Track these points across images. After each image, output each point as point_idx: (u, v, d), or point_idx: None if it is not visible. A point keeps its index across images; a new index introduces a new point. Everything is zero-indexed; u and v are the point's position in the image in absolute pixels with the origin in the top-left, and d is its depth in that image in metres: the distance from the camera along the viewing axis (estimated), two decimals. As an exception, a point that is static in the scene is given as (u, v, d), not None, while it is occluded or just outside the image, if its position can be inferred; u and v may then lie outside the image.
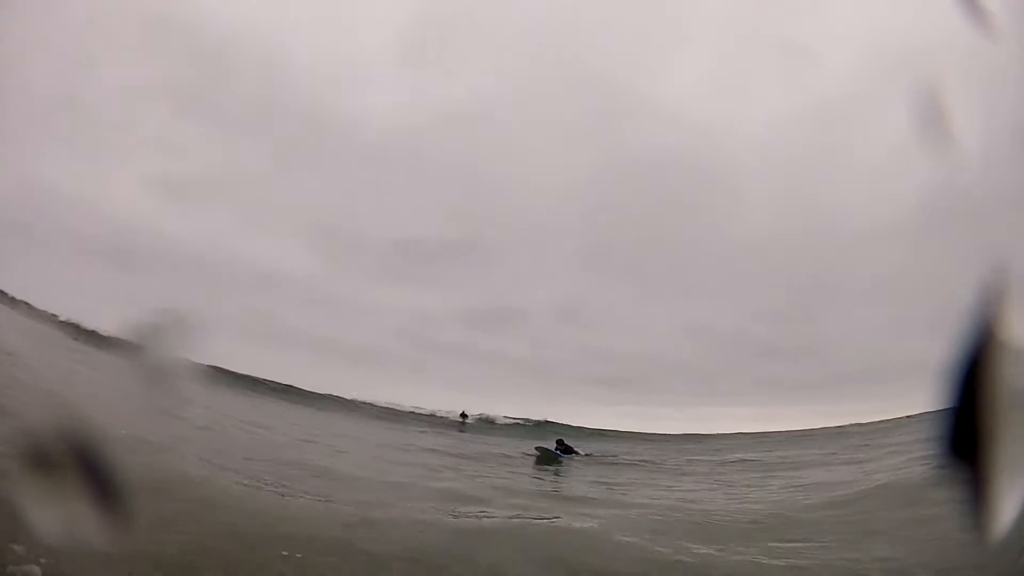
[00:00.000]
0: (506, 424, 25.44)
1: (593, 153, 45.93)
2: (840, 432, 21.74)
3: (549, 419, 25.02)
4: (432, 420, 24.28)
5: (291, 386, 23.33)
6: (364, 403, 24.47)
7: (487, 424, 24.96)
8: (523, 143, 46.41)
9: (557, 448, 15.28)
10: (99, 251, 31.43)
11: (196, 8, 41.87)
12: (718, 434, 25.06)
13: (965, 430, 0.90)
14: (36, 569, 2.84)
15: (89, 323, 21.65)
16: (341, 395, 23.90)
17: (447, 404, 26.22)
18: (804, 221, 41.01)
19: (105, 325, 22.01)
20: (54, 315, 20.92)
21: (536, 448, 14.99)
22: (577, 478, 11.24)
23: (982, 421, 0.88)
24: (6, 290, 20.36)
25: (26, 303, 20.39)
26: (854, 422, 23.15)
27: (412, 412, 25.08)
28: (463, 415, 25.40)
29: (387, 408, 24.57)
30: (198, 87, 44.17)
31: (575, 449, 15.60)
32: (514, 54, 46.42)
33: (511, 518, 5.53)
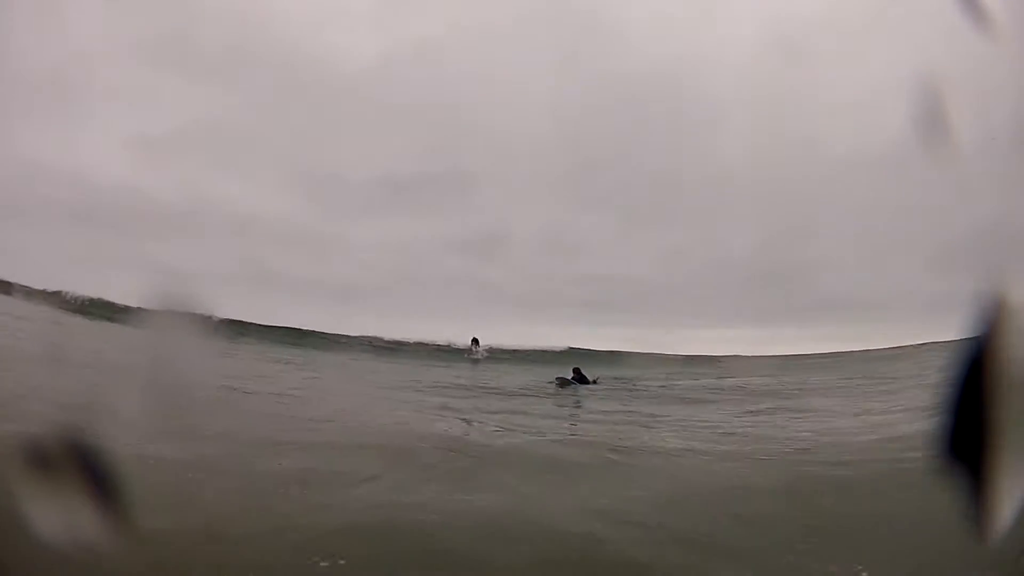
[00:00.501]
0: (516, 350, 25.50)
1: (571, 81, 44.27)
2: (838, 358, 22.17)
3: (573, 346, 25.12)
4: (440, 352, 24.32)
5: (293, 328, 23.13)
6: (370, 337, 24.42)
7: (499, 353, 24.97)
8: (501, 73, 44.58)
9: (573, 377, 15.47)
10: (87, 217, 30.40)
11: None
12: (720, 356, 25.42)
13: (966, 428, 0.86)
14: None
15: (81, 291, 21.41)
16: (347, 333, 23.76)
17: (447, 335, 26.16)
18: (784, 149, 40.47)
19: (94, 291, 21.68)
20: (43, 290, 20.55)
21: (557, 379, 15.23)
22: (606, 414, 11.12)
23: (984, 419, 0.84)
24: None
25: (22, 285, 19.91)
26: (861, 348, 23.64)
27: (419, 344, 25.11)
28: (474, 341, 25.16)
29: (392, 341, 24.54)
30: (170, 39, 41.38)
31: (588, 377, 15.72)
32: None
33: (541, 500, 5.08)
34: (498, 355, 24.16)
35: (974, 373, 0.85)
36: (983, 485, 0.85)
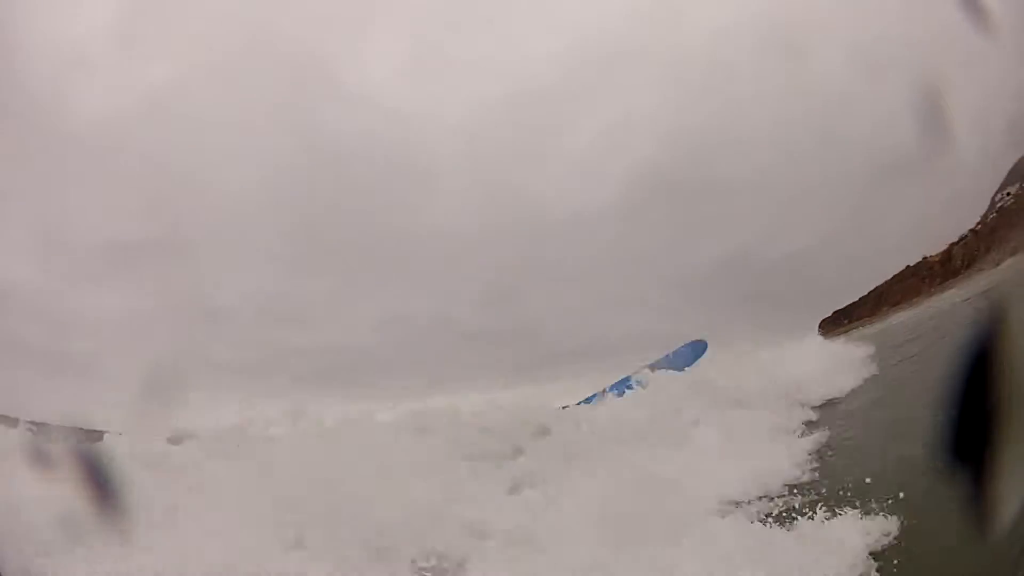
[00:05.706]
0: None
1: (290, 141, 44.19)
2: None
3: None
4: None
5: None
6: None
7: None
8: (221, 132, 42.47)
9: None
10: None
11: None
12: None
13: (968, 429, 0.89)
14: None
15: None
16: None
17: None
18: (508, 206, 42.05)
19: None
20: None
21: None
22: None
23: (986, 421, 0.86)
24: None
25: None
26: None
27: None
28: None
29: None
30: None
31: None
32: (218, 31, 44.24)
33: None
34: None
35: (978, 372, 0.85)
36: (985, 483, 0.85)
